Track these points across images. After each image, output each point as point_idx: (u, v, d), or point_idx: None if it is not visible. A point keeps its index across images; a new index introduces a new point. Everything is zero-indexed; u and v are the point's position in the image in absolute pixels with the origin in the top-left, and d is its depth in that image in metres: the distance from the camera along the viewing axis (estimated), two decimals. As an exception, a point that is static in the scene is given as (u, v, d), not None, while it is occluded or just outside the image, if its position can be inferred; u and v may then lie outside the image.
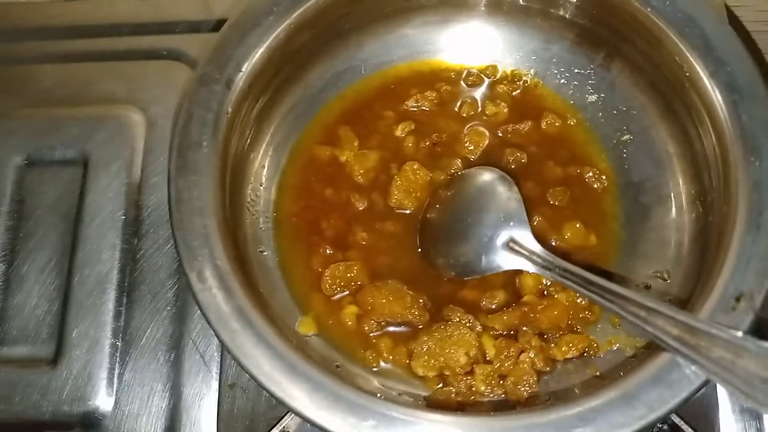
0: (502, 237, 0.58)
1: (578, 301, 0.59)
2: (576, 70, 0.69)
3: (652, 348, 0.52)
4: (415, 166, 0.65)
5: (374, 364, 0.59)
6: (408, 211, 0.65)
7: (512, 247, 0.58)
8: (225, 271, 0.49)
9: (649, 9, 0.58)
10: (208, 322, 0.48)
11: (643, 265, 0.62)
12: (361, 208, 0.65)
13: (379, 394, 0.53)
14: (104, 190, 0.70)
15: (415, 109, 0.69)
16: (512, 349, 0.58)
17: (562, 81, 0.70)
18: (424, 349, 0.58)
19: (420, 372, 0.58)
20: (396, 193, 0.65)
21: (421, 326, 0.60)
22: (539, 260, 0.56)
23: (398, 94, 0.69)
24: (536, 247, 0.57)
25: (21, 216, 0.69)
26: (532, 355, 0.58)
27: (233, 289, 0.49)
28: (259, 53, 0.58)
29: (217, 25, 0.77)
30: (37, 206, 0.70)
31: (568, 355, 0.59)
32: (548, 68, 0.70)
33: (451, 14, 0.70)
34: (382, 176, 0.66)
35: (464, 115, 0.69)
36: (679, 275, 0.60)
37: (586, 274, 0.53)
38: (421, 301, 0.60)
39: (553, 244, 0.63)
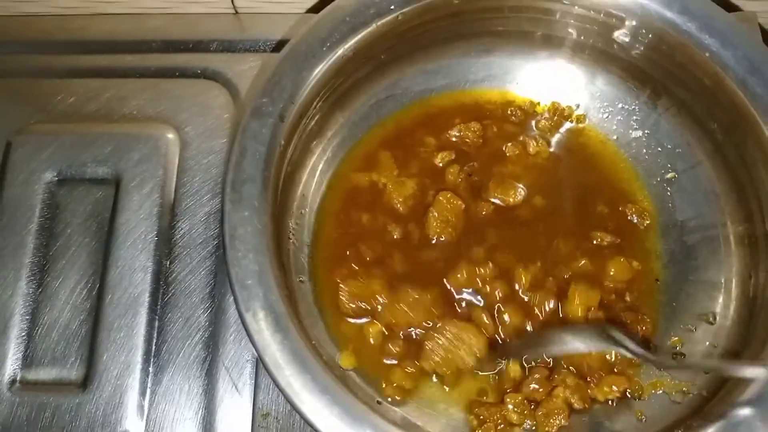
0: None
1: (624, 342, 0.59)
2: (620, 105, 0.69)
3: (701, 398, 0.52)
4: (448, 196, 0.65)
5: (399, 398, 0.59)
6: (444, 239, 0.65)
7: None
8: (280, 313, 0.48)
9: (707, 54, 0.57)
10: (265, 367, 0.47)
11: (688, 306, 0.62)
12: (397, 237, 0.65)
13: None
14: (136, 210, 0.69)
15: (456, 140, 0.69)
16: (537, 375, 0.58)
17: (606, 116, 0.69)
18: (431, 347, 0.58)
19: (427, 367, 0.58)
20: (433, 224, 0.64)
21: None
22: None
23: (440, 124, 0.69)
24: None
25: (51, 234, 0.68)
26: (568, 394, 0.58)
27: (288, 329, 0.48)
28: (311, 85, 0.57)
29: (252, 46, 0.77)
30: (67, 224, 0.69)
31: (609, 396, 0.59)
32: (592, 102, 0.69)
33: (493, 45, 0.70)
34: (421, 205, 0.66)
35: (507, 152, 0.69)
36: (728, 318, 0.60)
37: None
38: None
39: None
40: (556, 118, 0.70)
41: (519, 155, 0.68)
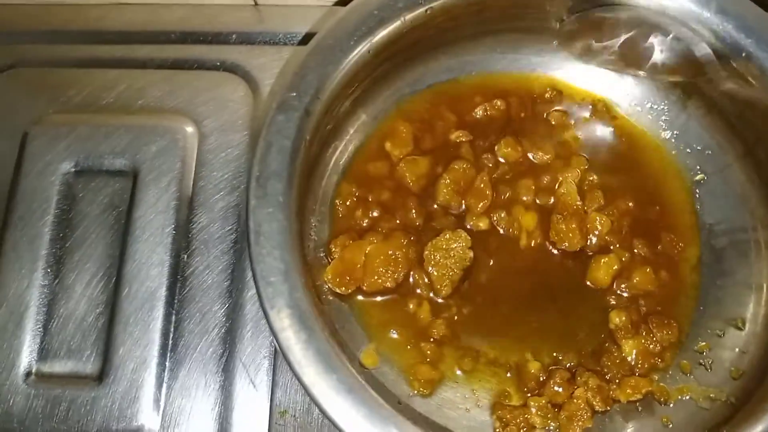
0: None
1: (649, 347, 0.59)
2: (649, 105, 0.68)
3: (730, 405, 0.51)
4: (464, 165, 0.64)
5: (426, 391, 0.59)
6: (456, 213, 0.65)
7: None
8: (305, 311, 0.48)
9: (743, 54, 0.56)
10: (289, 365, 0.46)
11: (716, 310, 0.61)
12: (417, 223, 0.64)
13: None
14: (154, 203, 0.68)
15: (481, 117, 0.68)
16: (558, 378, 0.58)
17: (634, 116, 0.68)
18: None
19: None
20: (444, 191, 0.64)
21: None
22: None
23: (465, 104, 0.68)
24: None
25: (68, 226, 0.67)
26: (590, 395, 0.58)
27: (313, 329, 0.47)
28: (337, 79, 0.56)
29: (272, 38, 0.76)
30: (84, 216, 0.68)
31: (632, 398, 0.58)
32: (620, 101, 0.68)
33: (520, 41, 0.68)
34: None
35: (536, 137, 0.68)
36: (758, 324, 0.59)
37: None
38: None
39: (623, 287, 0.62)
40: (589, 113, 0.69)
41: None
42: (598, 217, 0.63)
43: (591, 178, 0.65)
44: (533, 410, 0.57)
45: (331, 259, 0.61)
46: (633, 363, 0.59)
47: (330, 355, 0.47)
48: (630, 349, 0.59)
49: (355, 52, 0.57)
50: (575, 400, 0.58)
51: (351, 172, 0.66)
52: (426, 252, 0.61)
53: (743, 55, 0.56)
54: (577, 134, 0.68)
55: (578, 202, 0.63)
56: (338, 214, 0.64)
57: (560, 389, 0.58)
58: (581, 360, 0.60)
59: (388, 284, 0.60)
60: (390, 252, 0.60)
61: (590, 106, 0.69)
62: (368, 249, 0.60)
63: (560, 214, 0.63)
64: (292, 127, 0.53)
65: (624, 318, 0.60)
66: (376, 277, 0.60)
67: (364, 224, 0.63)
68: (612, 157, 0.67)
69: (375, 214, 0.64)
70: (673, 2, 0.58)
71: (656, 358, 0.59)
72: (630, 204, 0.65)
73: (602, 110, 0.69)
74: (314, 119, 0.55)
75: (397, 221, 0.63)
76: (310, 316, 0.48)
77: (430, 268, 0.61)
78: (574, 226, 0.62)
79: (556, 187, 0.64)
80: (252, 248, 0.49)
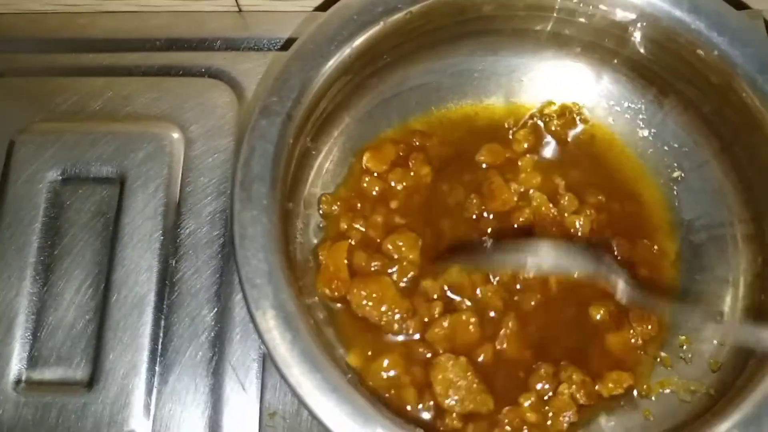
0: None
1: (631, 341, 0.59)
2: (626, 104, 0.69)
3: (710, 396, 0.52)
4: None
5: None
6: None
7: None
8: (290, 312, 0.48)
9: (716, 52, 0.57)
10: (275, 366, 0.47)
11: (695, 304, 0.62)
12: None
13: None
14: (141, 209, 0.68)
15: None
16: (543, 372, 0.59)
17: (611, 115, 0.69)
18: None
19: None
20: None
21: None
22: None
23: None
24: None
25: (56, 234, 0.68)
26: (573, 389, 0.58)
27: (299, 329, 0.48)
28: (319, 84, 0.57)
29: (256, 44, 0.77)
30: (72, 224, 0.68)
31: (614, 392, 0.59)
32: (598, 101, 0.69)
33: (500, 43, 0.69)
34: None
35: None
36: (735, 317, 0.60)
37: None
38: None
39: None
40: (564, 116, 0.69)
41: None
42: (577, 220, 0.63)
43: (559, 182, 0.66)
44: (526, 408, 0.58)
45: (319, 264, 0.62)
46: (615, 357, 0.59)
47: (315, 354, 0.48)
48: (612, 344, 0.59)
49: (336, 56, 0.58)
50: (560, 396, 0.58)
51: (335, 177, 0.67)
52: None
53: (715, 53, 0.57)
54: (545, 136, 0.69)
55: (552, 210, 0.64)
56: (323, 217, 0.65)
57: (546, 385, 0.58)
58: (565, 354, 0.61)
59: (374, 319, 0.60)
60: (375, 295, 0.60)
61: (568, 107, 0.70)
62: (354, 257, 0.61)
63: (541, 226, 0.64)
64: (275, 131, 0.54)
65: (602, 312, 0.61)
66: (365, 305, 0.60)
67: (346, 227, 0.64)
68: (590, 157, 0.68)
69: (359, 219, 0.65)
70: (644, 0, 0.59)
71: (639, 351, 0.60)
72: (608, 202, 0.66)
73: (579, 110, 0.70)
74: (296, 123, 0.55)
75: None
76: (295, 316, 0.49)
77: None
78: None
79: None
80: (237, 251, 0.50)
